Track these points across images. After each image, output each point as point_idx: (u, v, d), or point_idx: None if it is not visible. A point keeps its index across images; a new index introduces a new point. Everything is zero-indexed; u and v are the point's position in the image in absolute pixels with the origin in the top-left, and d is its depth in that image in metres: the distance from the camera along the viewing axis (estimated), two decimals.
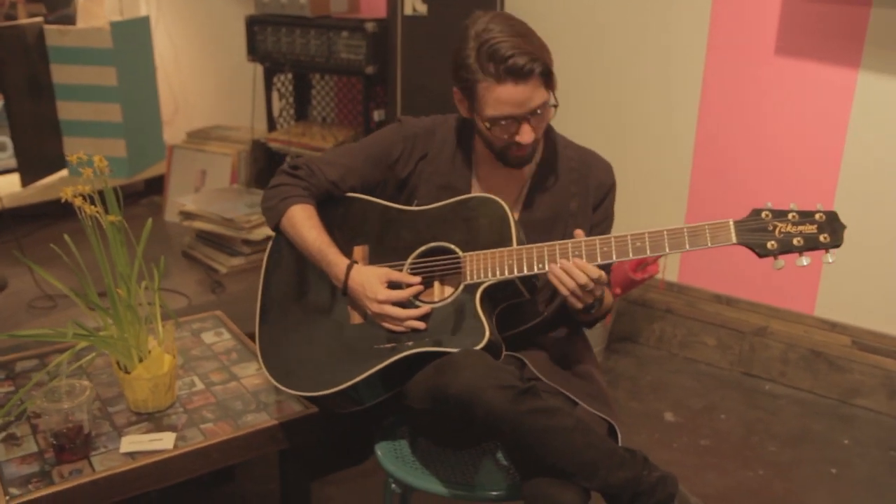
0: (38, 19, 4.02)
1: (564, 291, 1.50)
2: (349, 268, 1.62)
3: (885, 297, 2.73)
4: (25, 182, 3.90)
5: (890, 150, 2.62)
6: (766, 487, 2.35)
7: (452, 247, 1.62)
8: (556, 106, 1.58)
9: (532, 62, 1.49)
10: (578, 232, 1.55)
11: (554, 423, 1.39)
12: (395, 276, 1.61)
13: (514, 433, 1.39)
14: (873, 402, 2.75)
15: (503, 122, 1.55)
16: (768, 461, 2.47)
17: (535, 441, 1.39)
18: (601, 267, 1.54)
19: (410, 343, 1.56)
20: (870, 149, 2.65)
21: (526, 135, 1.55)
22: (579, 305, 1.52)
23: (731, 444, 2.55)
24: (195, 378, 1.88)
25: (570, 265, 1.49)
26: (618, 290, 2.78)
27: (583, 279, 1.48)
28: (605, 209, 1.73)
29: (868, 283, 2.75)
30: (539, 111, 1.54)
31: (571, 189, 1.70)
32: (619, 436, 1.60)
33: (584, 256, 1.51)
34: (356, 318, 1.65)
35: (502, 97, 1.52)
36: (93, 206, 1.63)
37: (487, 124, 1.56)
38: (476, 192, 1.69)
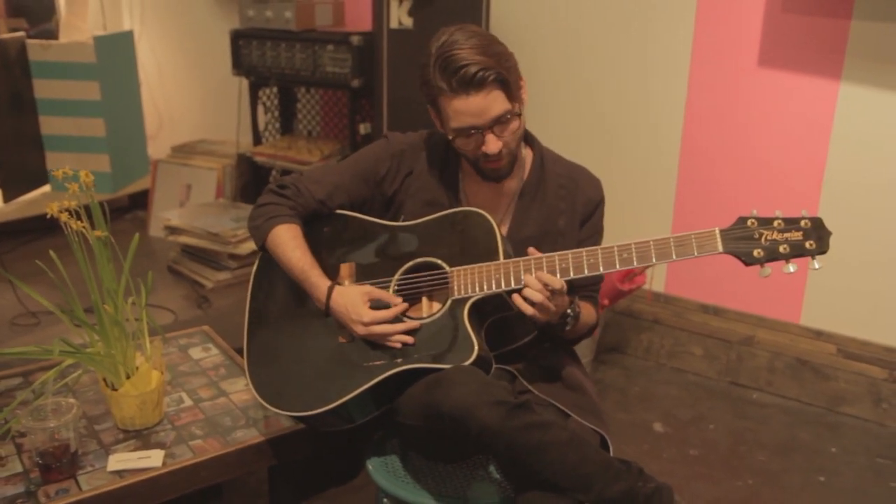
0: (20, 34, 3.99)
1: (528, 311, 1.48)
2: (330, 289, 1.61)
3: (870, 305, 2.76)
4: (7, 198, 3.86)
5: (872, 159, 2.64)
6: (755, 496, 2.35)
7: (439, 262, 1.61)
8: (519, 115, 1.57)
9: (484, 71, 1.49)
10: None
11: (548, 437, 1.38)
12: (377, 293, 1.60)
13: (508, 449, 1.38)
14: (859, 410, 2.77)
15: (467, 134, 1.55)
16: (757, 470, 2.47)
17: (529, 456, 1.38)
18: (589, 279, 1.54)
19: (399, 360, 1.55)
20: (852, 159, 2.67)
21: (491, 144, 1.55)
22: (541, 319, 1.50)
23: (719, 454, 2.56)
24: (183, 394, 1.86)
25: (531, 279, 1.47)
26: (606, 301, 2.79)
27: (536, 293, 1.46)
28: (594, 225, 1.73)
29: (852, 292, 2.77)
30: (501, 121, 1.54)
31: (560, 206, 1.70)
32: (611, 447, 1.60)
33: (570, 268, 1.50)
34: (343, 337, 1.64)
35: (459, 108, 1.52)
36: (79, 222, 1.61)
37: (452, 135, 1.57)
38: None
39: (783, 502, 2.33)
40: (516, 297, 1.50)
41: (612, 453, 1.55)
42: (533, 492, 1.40)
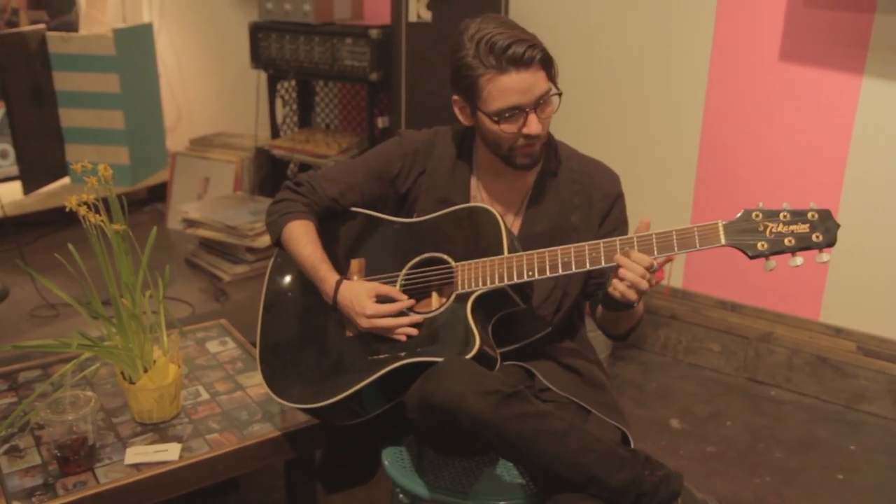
0: (41, 26, 4.01)
1: (626, 289, 1.43)
2: (338, 283, 1.62)
3: (891, 302, 2.72)
4: (27, 190, 3.89)
5: (894, 155, 2.60)
6: (774, 494, 2.33)
7: (445, 257, 1.62)
8: (559, 94, 1.58)
9: (531, 49, 1.51)
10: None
11: (544, 426, 1.37)
12: (384, 290, 1.60)
13: (501, 440, 1.37)
14: (879, 408, 2.74)
15: (509, 115, 1.54)
16: (775, 467, 2.46)
17: (524, 446, 1.37)
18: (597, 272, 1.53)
19: (403, 354, 1.55)
20: (874, 155, 2.64)
21: (533, 125, 1.55)
22: (633, 297, 1.45)
23: (737, 451, 2.54)
24: (200, 388, 1.87)
25: (626, 260, 1.44)
26: None
27: (639, 271, 1.42)
28: (615, 219, 1.71)
29: (873, 289, 2.74)
30: (542, 101, 1.55)
31: (574, 201, 1.69)
32: (632, 444, 1.59)
33: (572, 262, 1.49)
34: (350, 331, 1.65)
35: (507, 86, 1.52)
36: (97, 215, 1.62)
37: (495, 118, 1.55)
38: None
39: (801, 500, 2.31)
40: (615, 283, 1.45)
41: None
42: (563, 493, 1.39)
